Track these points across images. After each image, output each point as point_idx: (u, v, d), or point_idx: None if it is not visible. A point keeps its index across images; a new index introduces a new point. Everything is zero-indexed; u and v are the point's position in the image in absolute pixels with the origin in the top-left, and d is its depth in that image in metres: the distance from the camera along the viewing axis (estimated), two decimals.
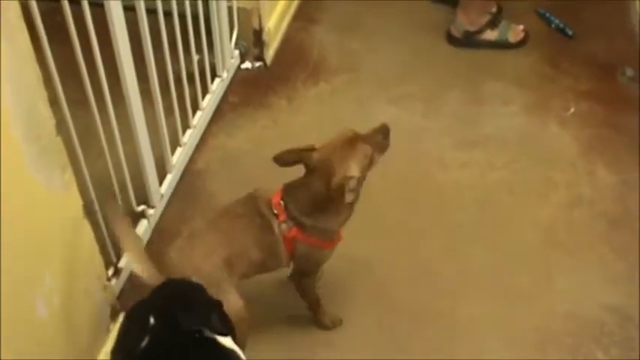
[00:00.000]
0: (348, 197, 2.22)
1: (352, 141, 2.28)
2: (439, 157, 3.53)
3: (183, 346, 1.84)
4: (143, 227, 3.02)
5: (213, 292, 2.15)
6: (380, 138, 2.35)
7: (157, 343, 1.84)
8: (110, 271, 2.72)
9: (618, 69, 3.97)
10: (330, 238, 2.42)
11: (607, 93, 3.86)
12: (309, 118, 3.68)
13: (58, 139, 2.05)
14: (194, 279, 2.17)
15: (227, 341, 1.94)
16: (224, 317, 1.97)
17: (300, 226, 2.34)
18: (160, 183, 3.18)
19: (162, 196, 3.16)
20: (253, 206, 2.37)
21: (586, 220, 3.28)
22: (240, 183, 3.22)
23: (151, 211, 3.07)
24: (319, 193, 2.28)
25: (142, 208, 3.01)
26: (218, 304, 1.99)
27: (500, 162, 3.51)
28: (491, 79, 3.93)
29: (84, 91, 2.44)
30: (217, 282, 2.27)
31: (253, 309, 2.40)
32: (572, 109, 3.75)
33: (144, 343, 1.83)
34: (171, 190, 3.25)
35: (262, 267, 2.45)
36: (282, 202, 2.34)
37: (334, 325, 2.76)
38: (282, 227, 2.33)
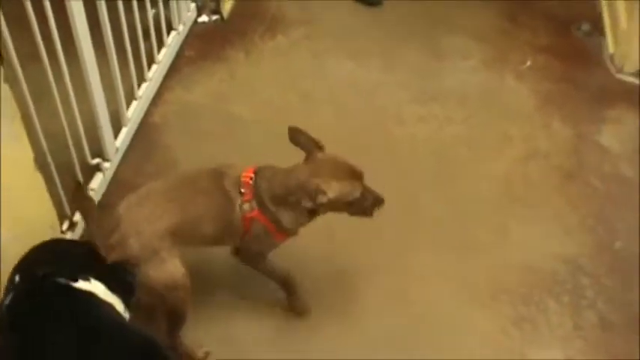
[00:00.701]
0: (305, 202, 2.19)
1: (355, 175, 2.25)
2: (397, 111, 3.54)
3: (42, 296, 1.85)
4: (98, 180, 2.99)
5: (148, 256, 2.20)
6: (369, 201, 2.29)
7: (18, 298, 1.86)
8: (65, 225, 2.70)
9: (574, 24, 4.01)
10: (285, 231, 2.39)
11: (563, 47, 3.90)
12: (267, 71, 3.66)
13: (5, 86, 2.01)
14: (132, 240, 2.20)
15: (97, 289, 1.92)
16: (102, 269, 1.99)
17: (263, 208, 2.30)
18: (116, 136, 3.14)
19: (117, 149, 3.13)
20: (218, 182, 2.32)
21: (542, 173, 3.33)
22: (197, 137, 3.24)
23: (106, 165, 3.04)
24: (291, 183, 2.25)
25: (96, 161, 2.98)
26: (95, 258, 2.02)
27: (458, 116, 3.54)
28: (449, 34, 3.94)
29: (36, 45, 2.39)
30: (154, 249, 2.24)
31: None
32: (528, 63, 3.78)
33: (8, 299, 1.86)
34: (127, 144, 3.22)
35: (214, 241, 2.42)
36: (251, 182, 2.30)
37: (303, 311, 2.73)
38: (244, 207, 2.30)
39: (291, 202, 2.25)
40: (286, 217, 2.33)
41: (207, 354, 2.61)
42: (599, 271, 2.96)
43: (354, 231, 2.92)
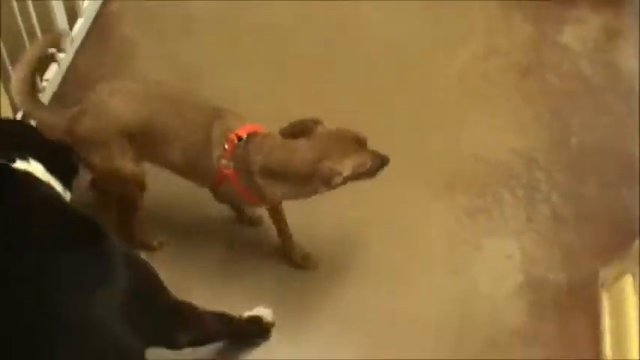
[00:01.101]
0: (321, 188, 2.10)
1: (360, 143, 2.14)
2: (354, 11, 3.49)
3: None
4: (53, 71, 2.93)
5: (97, 143, 2.19)
6: (376, 165, 2.17)
7: None
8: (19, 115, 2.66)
9: None
10: (261, 197, 2.25)
11: None
12: None
13: None
14: (87, 119, 2.17)
15: (36, 170, 1.90)
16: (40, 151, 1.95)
17: (241, 173, 2.18)
18: (71, 27, 3.06)
19: (72, 40, 3.05)
20: (207, 122, 2.19)
21: (500, 69, 3.35)
22: (156, 29, 3.16)
23: (61, 55, 2.97)
24: (295, 162, 2.11)
25: (51, 51, 2.91)
26: (35, 138, 1.99)
27: (418, 12, 3.50)
28: None
29: None
30: (106, 139, 2.19)
31: None
32: None
33: None
34: (82, 35, 3.15)
35: (182, 174, 2.34)
36: (236, 143, 2.16)
37: (306, 263, 2.63)
38: (222, 161, 2.18)
39: (285, 175, 2.12)
40: (278, 191, 2.19)
41: (161, 244, 2.63)
42: (554, 166, 3.02)
43: None
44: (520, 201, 2.90)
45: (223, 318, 2.31)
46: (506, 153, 3.03)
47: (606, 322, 2.54)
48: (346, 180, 2.09)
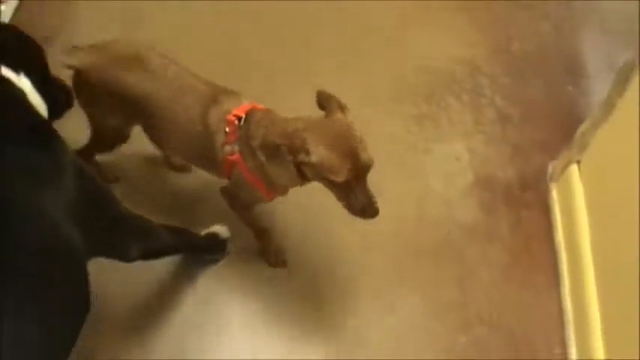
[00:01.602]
0: (286, 154, 1.87)
1: (353, 157, 1.83)
2: None
3: None
4: None
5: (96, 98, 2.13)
6: (358, 200, 1.90)
7: None
8: None
9: None
10: (270, 186, 2.08)
11: None
12: None
13: None
14: (93, 73, 2.08)
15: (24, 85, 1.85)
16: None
17: (247, 155, 2.02)
18: None
19: None
20: (204, 109, 2.04)
21: None
22: None
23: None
24: (286, 137, 1.91)
25: None
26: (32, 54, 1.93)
27: None
28: None
29: None
30: (99, 91, 2.10)
31: None
32: None
33: None
34: None
35: (192, 162, 2.26)
36: (237, 123, 2.00)
37: (277, 264, 2.50)
38: (225, 148, 2.03)
39: (280, 154, 1.91)
40: (275, 171, 1.99)
41: (117, 178, 2.59)
42: (496, 71, 3.05)
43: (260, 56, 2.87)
44: (466, 106, 2.94)
45: (178, 232, 2.29)
46: (449, 62, 3.06)
47: (557, 213, 2.60)
48: (315, 170, 1.86)
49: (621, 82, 2.23)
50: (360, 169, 1.84)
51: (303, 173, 1.91)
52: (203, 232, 2.46)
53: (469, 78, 3.01)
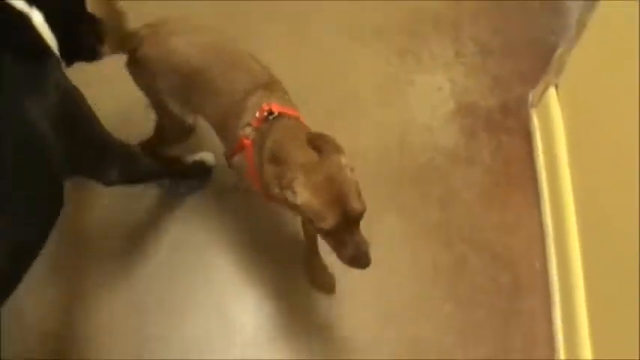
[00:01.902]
0: (272, 187, 1.87)
1: (341, 206, 1.73)
2: None
3: None
4: None
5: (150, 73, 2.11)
6: (347, 249, 1.78)
7: None
8: None
9: None
10: (263, 184, 2.01)
11: None
12: None
13: None
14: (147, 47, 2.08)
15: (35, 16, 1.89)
16: None
17: (256, 147, 1.98)
18: None
19: None
20: (252, 89, 2.03)
21: None
22: None
23: None
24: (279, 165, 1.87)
25: None
26: None
27: None
28: None
29: None
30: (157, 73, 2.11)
31: None
32: None
33: None
34: None
35: (212, 124, 2.18)
36: (267, 116, 1.97)
37: (323, 289, 2.41)
38: (246, 129, 2.00)
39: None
40: (269, 181, 1.94)
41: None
42: (478, 4, 3.08)
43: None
44: (447, 40, 2.97)
45: (164, 160, 2.36)
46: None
47: (537, 138, 2.65)
48: (299, 210, 1.77)
49: (590, 1, 2.27)
50: (349, 218, 1.73)
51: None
52: (189, 159, 2.52)
53: (452, 12, 3.04)
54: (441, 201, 2.56)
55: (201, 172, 2.53)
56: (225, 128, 2.08)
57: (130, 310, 2.36)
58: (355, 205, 1.73)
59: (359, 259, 1.77)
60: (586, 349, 2.15)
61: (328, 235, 1.77)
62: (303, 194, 1.73)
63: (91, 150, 1.94)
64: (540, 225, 2.50)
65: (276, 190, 1.82)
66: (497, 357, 2.30)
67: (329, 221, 1.72)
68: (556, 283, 2.37)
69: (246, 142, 1.99)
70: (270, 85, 2.05)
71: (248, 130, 1.98)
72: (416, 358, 2.29)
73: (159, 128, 2.31)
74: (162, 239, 2.49)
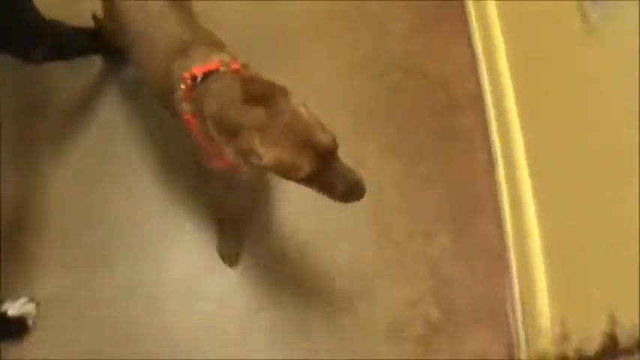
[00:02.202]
0: (237, 156, 1.68)
1: (309, 147, 1.60)
2: None
3: None
4: None
5: None
6: (340, 185, 1.64)
7: None
8: None
9: None
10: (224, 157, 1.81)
11: None
12: None
13: None
14: None
15: None
16: None
17: (202, 119, 1.77)
18: None
19: None
20: (169, 59, 1.84)
21: None
22: None
23: None
24: (236, 131, 1.67)
25: None
26: None
27: None
28: None
29: None
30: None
31: None
32: None
33: None
34: None
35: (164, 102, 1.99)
36: (190, 84, 1.78)
37: (229, 261, 2.31)
38: (182, 104, 1.80)
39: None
40: (228, 152, 1.75)
41: None
42: None
43: None
44: None
45: (93, 34, 2.34)
46: None
47: (473, 25, 2.60)
48: (272, 170, 1.65)
49: None
50: (323, 154, 1.61)
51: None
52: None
53: None
54: (372, 33, 2.55)
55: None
56: (168, 103, 1.90)
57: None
58: (323, 139, 1.60)
59: (352, 191, 1.64)
60: (521, 161, 2.23)
61: (311, 181, 1.63)
62: (268, 154, 1.59)
63: (18, 26, 1.91)
64: (471, 47, 2.52)
65: (242, 163, 1.66)
66: (437, 174, 2.36)
67: (305, 168, 1.60)
68: (490, 101, 2.42)
69: (188, 117, 1.80)
70: (187, 48, 1.84)
71: (184, 105, 1.80)
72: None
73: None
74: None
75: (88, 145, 2.42)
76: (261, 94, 1.63)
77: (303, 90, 1.62)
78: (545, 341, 1.98)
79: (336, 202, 1.64)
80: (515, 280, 2.18)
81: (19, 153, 2.38)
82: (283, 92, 1.63)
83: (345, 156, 1.58)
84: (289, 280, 2.26)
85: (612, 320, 1.65)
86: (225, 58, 1.80)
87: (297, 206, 2.31)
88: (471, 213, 2.32)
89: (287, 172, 1.62)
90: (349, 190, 1.63)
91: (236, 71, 1.77)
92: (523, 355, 2.10)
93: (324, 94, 2.40)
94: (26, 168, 2.38)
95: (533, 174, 2.17)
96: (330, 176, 1.62)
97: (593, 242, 1.81)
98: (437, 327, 2.18)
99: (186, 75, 1.76)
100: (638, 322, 1.55)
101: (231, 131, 1.65)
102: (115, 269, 2.25)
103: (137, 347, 2.17)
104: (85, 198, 2.34)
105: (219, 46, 1.88)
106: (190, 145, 1.89)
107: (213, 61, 1.78)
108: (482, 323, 2.18)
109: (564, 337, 1.89)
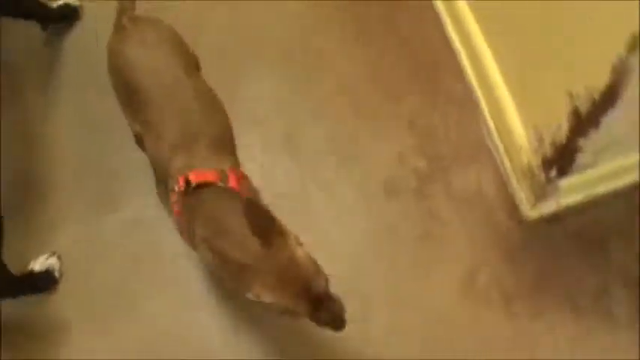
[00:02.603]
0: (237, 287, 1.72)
1: (305, 291, 1.64)
2: None
3: None
4: None
5: None
6: (324, 319, 1.69)
7: None
8: None
9: None
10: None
11: None
12: None
13: None
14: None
15: None
16: None
17: (186, 219, 1.81)
18: None
19: None
20: (171, 146, 1.83)
21: None
22: None
23: None
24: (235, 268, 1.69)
25: None
26: None
27: None
28: None
29: None
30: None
31: None
32: None
33: None
34: None
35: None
36: (187, 188, 1.77)
37: None
38: (173, 195, 1.82)
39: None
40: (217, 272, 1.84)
41: None
42: None
43: None
44: None
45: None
46: None
47: None
48: (266, 307, 1.68)
49: None
50: (317, 298, 1.65)
51: None
52: (55, 5, 2.68)
53: None
54: None
55: (68, 15, 2.71)
56: (164, 189, 1.92)
57: None
58: (319, 283, 1.64)
59: (334, 324, 1.69)
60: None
61: (303, 315, 1.68)
62: (266, 297, 1.63)
63: None
64: None
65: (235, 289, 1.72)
66: (396, 47, 2.50)
67: (301, 310, 1.65)
68: None
69: (177, 212, 1.83)
70: (195, 141, 1.83)
71: (174, 198, 1.81)
72: None
73: None
74: None
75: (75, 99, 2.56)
76: (260, 227, 1.63)
77: None
78: (527, 155, 2.10)
79: None
80: (487, 116, 2.31)
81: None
82: (281, 231, 1.65)
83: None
84: None
85: (571, 96, 1.77)
86: (225, 169, 1.79)
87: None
88: (435, 70, 2.45)
89: (282, 314, 1.67)
90: (332, 322, 1.68)
91: (233, 189, 1.77)
92: (512, 177, 2.22)
93: None
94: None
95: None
96: (318, 313, 1.66)
97: (537, 42, 1.93)
98: (427, 175, 2.30)
99: (181, 180, 1.76)
100: (590, 85, 1.68)
101: (225, 260, 1.67)
102: (121, 207, 2.38)
103: (156, 271, 2.30)
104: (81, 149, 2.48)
105: (227, 148, 1.89)
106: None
107: (211, 172, 1.78)
108: (467, 163, 2.30)
109: (540, 141, 2.01)
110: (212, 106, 1.93)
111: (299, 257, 1.64)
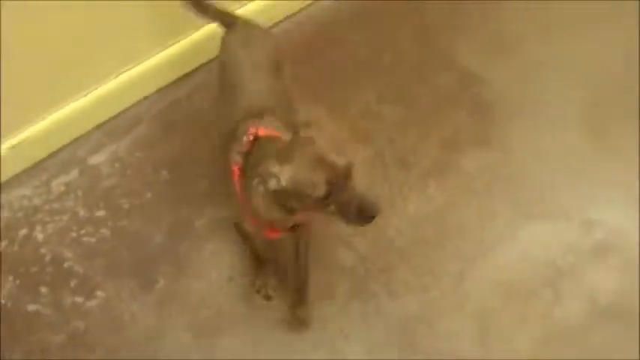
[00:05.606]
0: (257, 186, 1.74)
1: (325, 168, 1.67)
2: None
3: None
4: None
5: None
6: (352, 206, 1.68)
7: None
8: None
9: None
10: (256, 216, 1.94)
11: None
12: None
13: None
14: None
15: None
16: None
17: (244, 174, 1.90)
18: None
19: None
20: (240, 117, 2.03)
21: None
22: None
23: None
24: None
25: None
26: None
27: None
28: None
29: None
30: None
31: None
32: None
33: None
34: None
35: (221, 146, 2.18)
36: (250, 140, 1.90)
37: (296, 323, 2.39)
38: (235, 155, 1.92)
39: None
40: (256, 202, 1.87)
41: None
42: None
43: None
44: None
45: None
46: None
47: None
48: (292, 193, 1.70)
49: None
50: (339, 176, 1.66)
51: (286, 208, 1.80)
52: None
53: None
54: None
55: None
56: (226, 150, 2.03)
57: None
58: (339, 162, 1.66)
59: (366, 209, 1.67)
60: None
61: (327, 203, 1.68)
62: (284, 174, 1.66)
63: None
64: None
65: (260, 189, 1.72)
66: None
67: (320, 186, 1.65)
68: None
69: (234, 168, 1.91)
70: (263, 113, 1.99)
71: (236, 156, 1.90)
72: None
73: None
74: None
75: None
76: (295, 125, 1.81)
77: None
78: None
79: None
80: None
81: None
82: (307, 123, 1.77)
83: None
84: None
85: None
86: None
87: None
88: None
89: (304, 193, 1.67)
90: (363, 209, 1.66)
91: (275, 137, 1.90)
92: None
93: None
94: None
95: None
96: (345, 197, 1.66)
97: None
98: None
99: (252, 130, 1.91)
100: None
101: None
102: None
103: None
104: None
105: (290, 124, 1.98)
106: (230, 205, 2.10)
107: (277, 133, 1.91)
108: None
109: None
110: (280, 100, 2.14)
111: (319, 142, 1.70)
